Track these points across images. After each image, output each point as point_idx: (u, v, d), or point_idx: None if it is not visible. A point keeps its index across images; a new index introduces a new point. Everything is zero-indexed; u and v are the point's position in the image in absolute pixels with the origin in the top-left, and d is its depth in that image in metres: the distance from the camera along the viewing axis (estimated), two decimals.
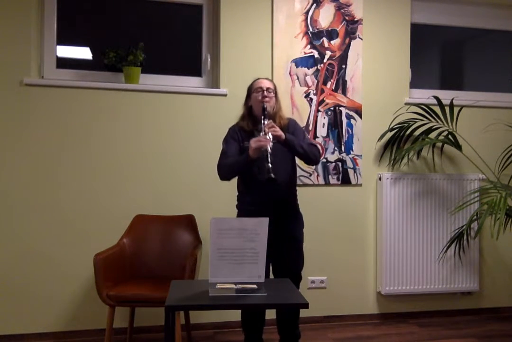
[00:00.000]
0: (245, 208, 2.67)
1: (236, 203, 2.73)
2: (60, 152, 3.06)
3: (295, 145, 2.54)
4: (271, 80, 2.76)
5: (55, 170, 3.05)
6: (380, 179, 3.44)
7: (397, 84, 3.54)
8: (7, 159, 2.99)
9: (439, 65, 3.97)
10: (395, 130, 3.47)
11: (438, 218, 3.48)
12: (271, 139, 2.43)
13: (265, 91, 2.62)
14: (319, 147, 2.71)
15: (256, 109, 2.65)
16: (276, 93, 2.70)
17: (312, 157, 2.65)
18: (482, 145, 3.56)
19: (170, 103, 3.21)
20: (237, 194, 2.73)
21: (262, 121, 2.51)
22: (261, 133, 2.45)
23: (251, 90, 2.69)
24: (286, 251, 2.63)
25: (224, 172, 2.60)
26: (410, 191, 3.45)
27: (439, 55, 3.95)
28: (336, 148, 3.40)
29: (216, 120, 3.20)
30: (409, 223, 3.44)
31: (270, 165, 2.34)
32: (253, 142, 2.42)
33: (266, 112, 2.56)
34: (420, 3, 3.64)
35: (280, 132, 2.48)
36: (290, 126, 2.72)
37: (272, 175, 2.31)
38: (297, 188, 3.31)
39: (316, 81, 3.38)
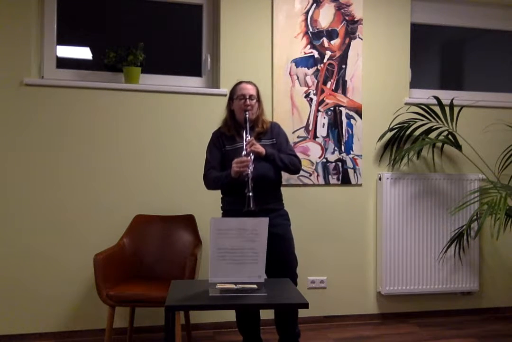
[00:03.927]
0: (228, 208, 2.68)
1: (221, 204, 2.74)
2: (60, 152, 3.06)
3: (275, 159, 2.60)
4: (254, 84, 2.71)
5: (55, 170, 3.05)
6: (380, 179, 3.44)
7: (397, 84, 3.54)
8: (7, 159, 2.99)
9: (439, 65, 3.97)
10: (395, 130, 3.47)
11: (438, 218, 3.48)
12: (253, 159, 2.48)
13: (247, 100, 2.62)
14: (299, 157, 2.75)
15: (238, 115, 2.66)
16: (259, 98, 2.69)
17: (292, 169, 2.71)
18: (482, 145, 3.56)
19: (170, 103, 3.21)
20: (221, 196, 2.74)
21: (244, 136, 2.54)
22: (243, 153, 2.49)
23: (233, 94, 2.68)
24: (274, 248, 2.39)
25: (208, 185, 2.69)
26: (410, 191, 3.45)
27: (439, 55, 3.95)
28: (336, 148, 3.40)
29: (216, 120, 3.19)
30: (409, 223, 3.44)
31: (250, 194, 2.40)
32: (235, 165, 2.47)
33: (248, 124, 2.57)
34: (420, 3, 3.64)
35: (261, 149, 2.53)
36: (273, 130, 2.73)
37: (252, 207, 2.37)
38: (297, 188, 3.33)
39: (316, 81, 3.38)
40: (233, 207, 2.60)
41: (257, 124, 2.67)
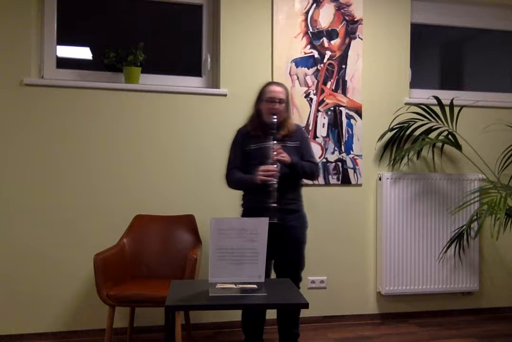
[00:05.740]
0: (249, 206, 2.69)
1: (241, 202, 2.75)
2: (60, 152, 3.06)
3: (298, 169, 2.61)
4: (285, 87, 2.69)
5: (55, 170, 3.05)
6: (380, 179, 3.44)
7: (397, 84, 3.54)
8: (7, 159, 2.98)
9: (439, 65, 3.97)
10: (395, 130, 3.47)
11: (438, 218, 3.48)
12: (279, 167, 2.50)
13: (277, 104, 2.60)
14: (319, 165, 2.80)
15: (265, 116, 2.63)
16: (287, 101, 2.67)
17: (310, 177, 2.77)
18: (482, 145, 3.56)
19: (170, 103, 3.21)
20: (242, 193, 2.75)
21: (271, 142, 2.53)
22: (269, 162, 2.50)
23: (262, 95, 2.65)
24: (286, 250, 2.62)
25: (231, 185, 2.72)
26: (410, 191, 3.45)
27: (439, 55, 3.95)
28: (336, 148, 3.40)
29: (216, 120, 3.21)
30: (409, 223, 3.44)
31: (274, 205, 2.44)
32: (261, 173, 2.48)
33: (275, 130, 2.55)
34: (420, 3, 3.64)
35: (287, 158, 2.54)
36: (297, 134, 2.72)
37: (275, 220, 2.39)
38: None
39: (316, 81, 3.38)
40: (255, 205, 2.61)
41: (283, 127, 2.64)
